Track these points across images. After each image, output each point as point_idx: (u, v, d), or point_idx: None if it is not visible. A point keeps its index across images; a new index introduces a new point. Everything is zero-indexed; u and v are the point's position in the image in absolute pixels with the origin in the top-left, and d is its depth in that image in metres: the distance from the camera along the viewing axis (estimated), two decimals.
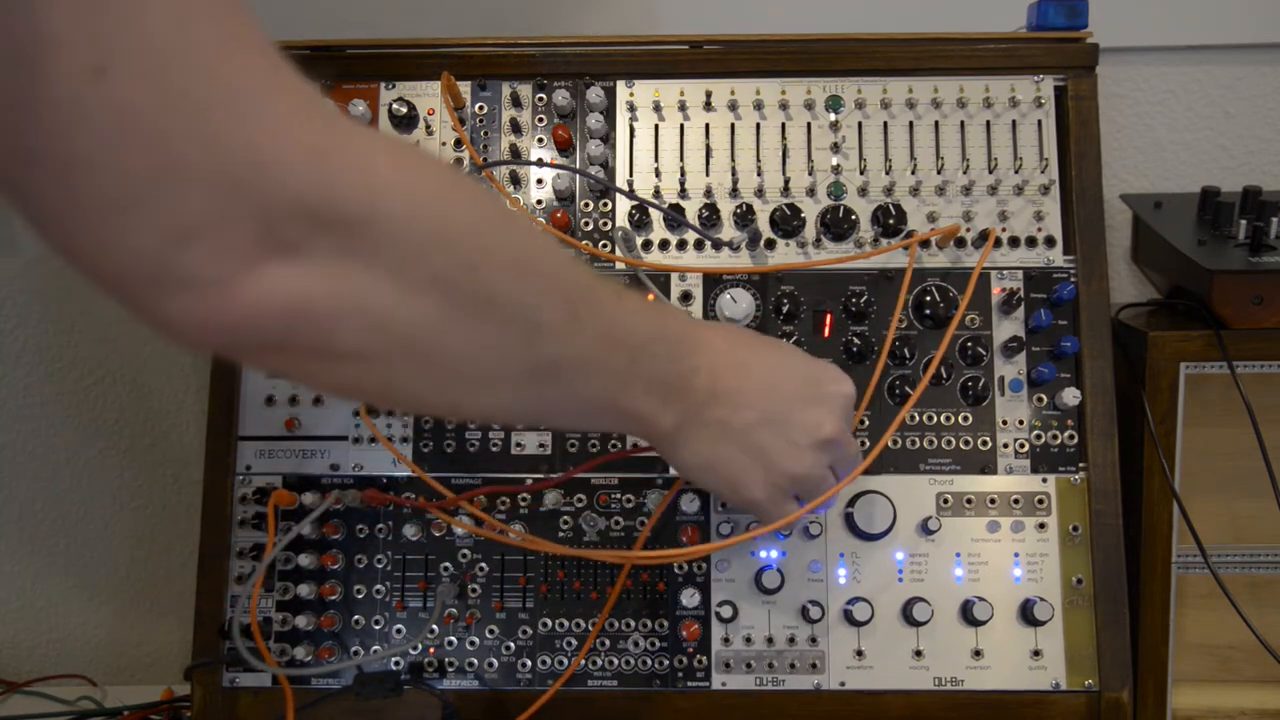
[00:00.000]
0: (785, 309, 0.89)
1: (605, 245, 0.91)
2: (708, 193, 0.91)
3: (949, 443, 0.88)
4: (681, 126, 0.92)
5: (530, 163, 0.92)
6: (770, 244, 0.91)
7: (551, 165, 0.91)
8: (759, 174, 0.91)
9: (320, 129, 0.43)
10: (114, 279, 0.42)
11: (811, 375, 0.72)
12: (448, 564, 0.88)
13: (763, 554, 0.87)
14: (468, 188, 0.52)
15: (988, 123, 0.92)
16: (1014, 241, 0.90)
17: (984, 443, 0.88)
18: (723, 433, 0.67)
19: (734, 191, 0.91)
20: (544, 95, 0.93)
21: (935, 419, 0.88)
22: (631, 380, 0.61)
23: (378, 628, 0.88)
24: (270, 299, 0.43)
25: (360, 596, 0.88)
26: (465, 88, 0.93)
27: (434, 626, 0.87)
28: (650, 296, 0.89)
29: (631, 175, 0.92)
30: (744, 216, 0.90)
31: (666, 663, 0.87)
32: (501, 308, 0.51)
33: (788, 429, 0.69)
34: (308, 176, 0.42)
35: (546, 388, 0.57)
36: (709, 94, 0.92)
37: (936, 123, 0.92)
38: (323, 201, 0.42)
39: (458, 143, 0.92)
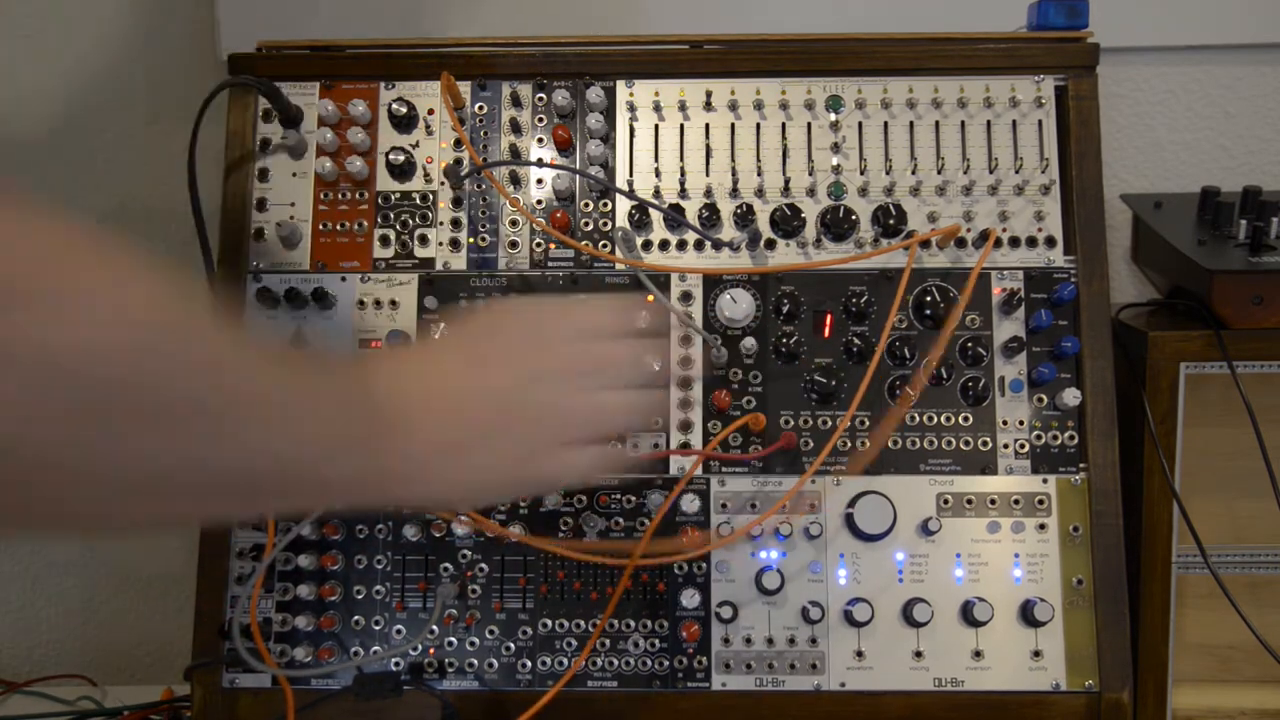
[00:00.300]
0: (785, 309, 0.89)
1: (605, 245, 0.91)
2: (708, 193, 0.91)
3: (949, 443, 0.88)
4: (681, 126, 0.92)
5: (530, 163, 0.92)
6: (770, 244, 0.91)
7: (551, 165, 0.91)
8: (759, 174, 0.91)
9: None
10: None
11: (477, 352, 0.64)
12: (448, 564, 0.88)
13: (763, 555, 0.87)
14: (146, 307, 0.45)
15: (988, 123, 0.92)
16: (1014, 241, 0.90)
17: (984, 443, 0.88)
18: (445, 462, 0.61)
19: (734, 191, 0.91)
20: (544, 95, 0.93)
21: (935, 419, 0.88)
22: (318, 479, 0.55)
23: (378, 628, 0.88)
24: None
25: (360, 597, 0.88)
26: (465, 88, 0.92)
27: (434, 627, 0.87)
28: (650, 298, 0.89)
29: (631, 175, 0.92)
30: (744, 216, 0.90)
31: (666, 663, 0.87)
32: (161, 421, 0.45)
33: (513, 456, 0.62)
34: None
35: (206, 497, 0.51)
36: (709, 94, 0.92)
37: (937, 123, 0.92)
38: None
39: (457, 143, 0.92)
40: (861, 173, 0.91)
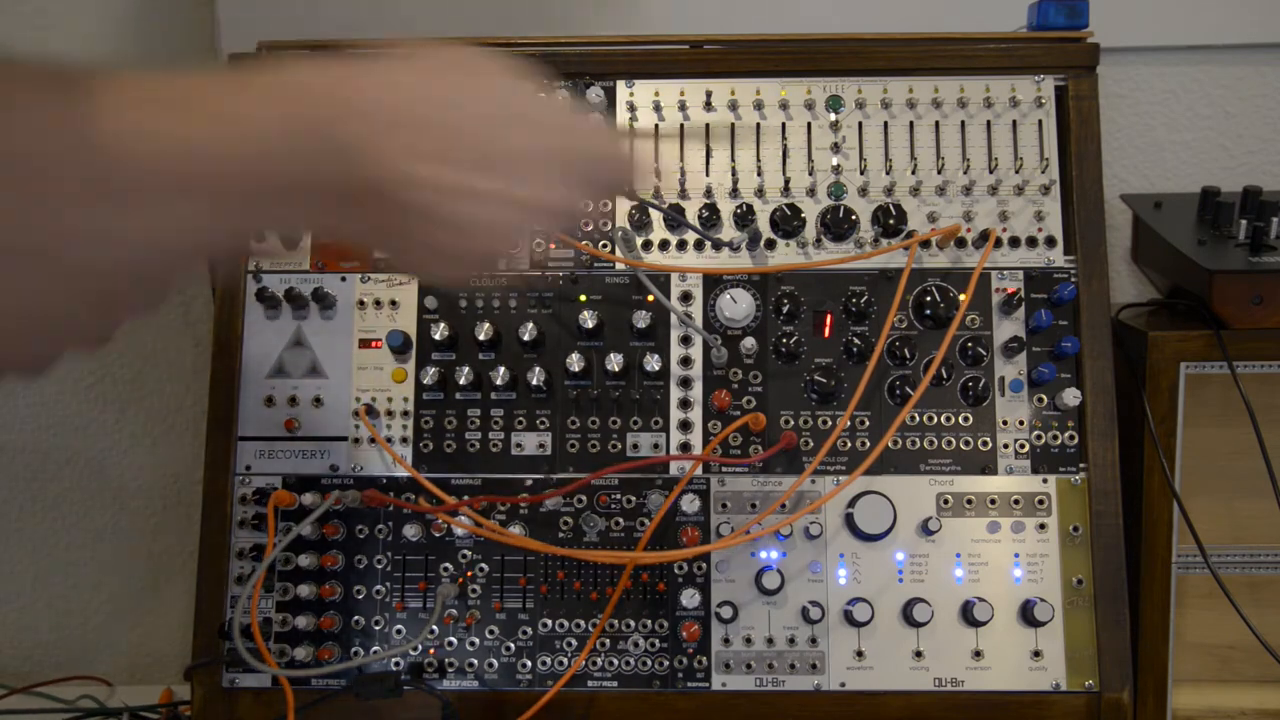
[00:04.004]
0: (785, 309, 0.89)
1: (605, 245, 0.91)
2: (708, 193, 0.91)
3: (949, 443, 0.88)
4: (681, 126, 0.92)
5: None
6: (770, 244, 0.91)
7: None
8: (759, 174, 0.91)
9: None
10: None
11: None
12: (448, 564, 0.88)
13: (763, 554, 0.87)
14: None
15: (988, 123, 0.92)
16: (1014, 241, 0.90)
17: (984, 443, 0.88)
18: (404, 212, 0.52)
19: (734, 191, 0.91)
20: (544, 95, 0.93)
21: (935, 419, 0.88)
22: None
23: (378, 628, 0.88)
24: None
25: (360, 597, 0.88)
26: None
27: (434, 627, 0.87)
28: (650, 298, 0.89)
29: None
30: (744, 216, 0.90)
31: (666, 663, 0.87)
32: None
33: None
34: None
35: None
36: (709, 94, 0.92)
37: (937, 123, 0.92)
38: None
39: None
40: (861, 173, 0.91)
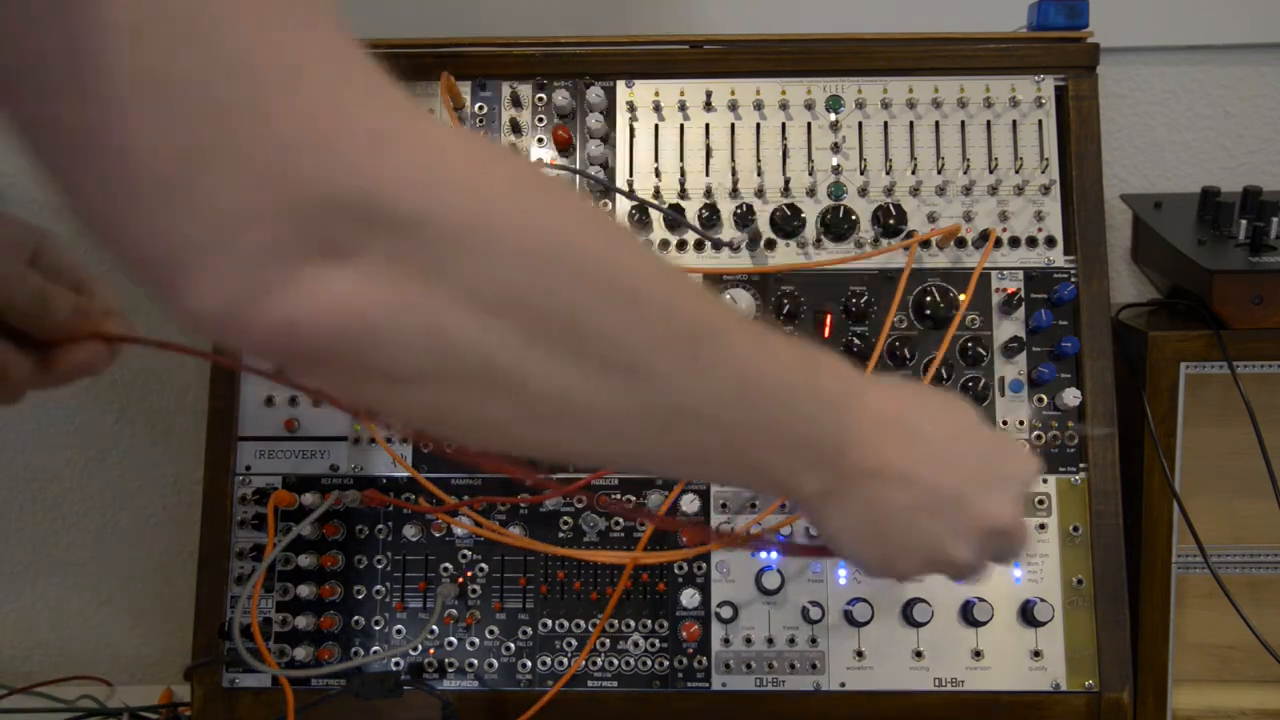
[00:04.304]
0: (785, 309, 0.89)
1: None
2: (708, 193, 0.91)
3: None
4: (681, 126, 0.92)
5: None
6: (770, 244, 0.91)
7: (551, 165, 0.91)
8: (759, 174, 0.91)
9: (385, 113, 0.38)
10: (147, 268, 0.37)
11: (993, 451, 0.61)
12: (448, 564, 0.88)
13: (763, 555, 0.87)
14: (555, 193, 0.44)
15: (988, 123, 0.92)
16: (1014, 241, 0.90)
17: None
18: (879, 511, 0.56)
19: (734, 192, 0.91)
20: (544, 95, 0.93)
21: None
22: (767, 437, 0.51)
23: (378, 628, 0.88)
24: (314, 304, 0.37)
25: (360, 597, 0.88)
26: (465, 88, 0.93)
27: (434, 627, 0.87)
28: None
29: (631, 175, 0.92)
30: (744, 217, 0.90)
31: (667, 663, 0.87)
32: (592, 341, 0.42)
33: (957, 516, 0.58)
34: (366, 166, 0.36)
35: (655, 436, 0.47)
36: (709, 94, 0.92)
37: (937, 123, 0.92)
38: (379, 195, 0.36)
39: None
40: (861, 173, 0.91)
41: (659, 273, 0.46)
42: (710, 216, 0.90)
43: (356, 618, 0.88)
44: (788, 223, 0.90)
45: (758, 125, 0.92)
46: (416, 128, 0.38)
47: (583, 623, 0.87)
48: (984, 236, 0.89)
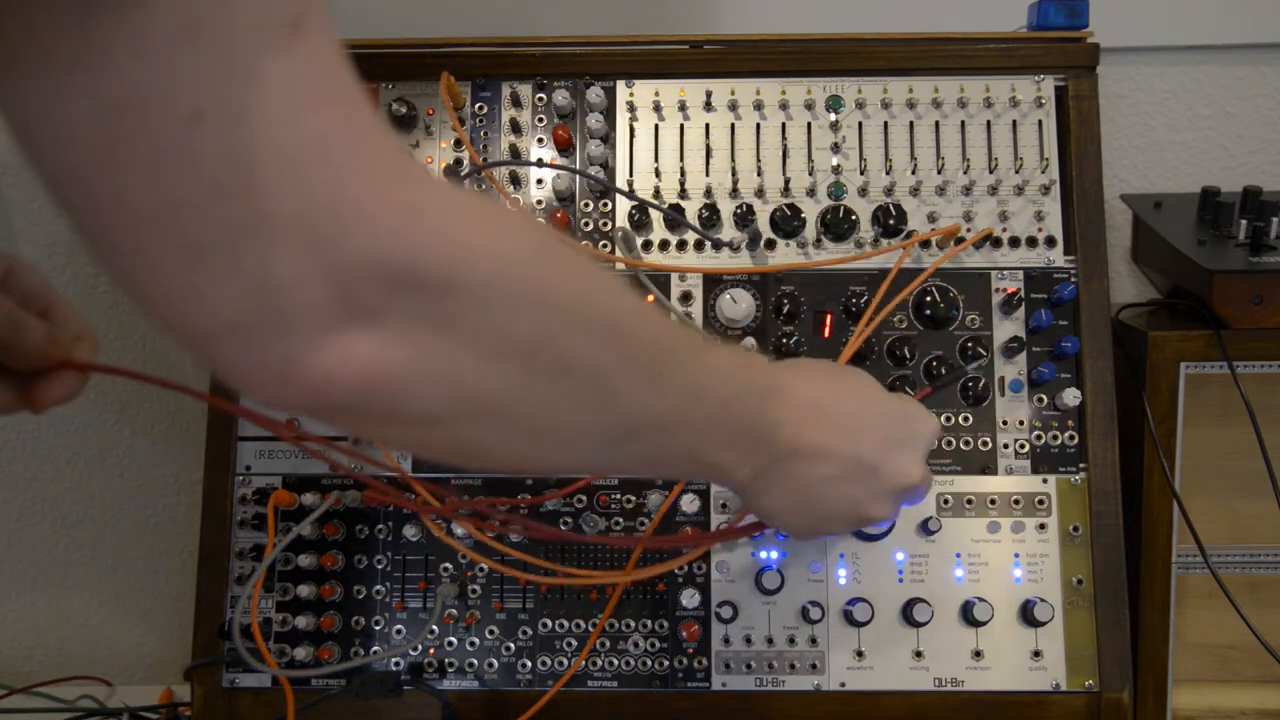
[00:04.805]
0: (785, 309, 0.89)
1: (605, 245, 0.91)
2: (708, 193, 0.91)
3: (949, 443, 0.88)
4: (681, 126, 0.92)
5: (530, 163, 0.92)
6: (770, 244, 0.91)
7: (551, 165, 0.91)
8: (759, 174, 0.91)
9: (412, 187, 0.41)
10: (190, 333, 0.40)
11: (896, 415, 0.69)
12: (448, 564, 0.88)
13: (763, 554, 0.87)
14: (555, 250, 0.49)
15: (988, 123, 0.92)
16: (1014, 242, 0.90)
17: (984, 443, 0.88)
18: (805, 484, 0.64)
19: (734, 192, 0.91)
20: (544, 95, 0.93)
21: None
22: (712, 434, 0.58)
23: (378, 628, 0.88)
24: (346, 366, 0.41)
25: (360, 597, 0.88)
26: (465, 88, 0.93)
27: (434, 627, 0.87)
28: (650, 298, 0.89)
29: (631, 175, 0.92)
30: (744, 217, 0.90)
31: (666, 663, 0.87)
32: (580, 373, 0.48)
33: (874, 479, 0.66)
34: (396, 236, 0.40)
35: (623, 446, 0.55)
36: (709, 94, 0.92)
37: (937, 123, 0.92)
38: (407, 264, 0.40)
39: (457, 143, 0.92)
40: (861, 173, 0.91)
41: (628, 306, 0.52)
42: (710, 216, 0.90)
43: (356, 618, 0.88)
44: (788, 223, 0.90)
45: (758, 125, 0.92)
46: (440, 198, 0.42)
47: (583, 623, 0.87)
48: (984, 237, 0.89)
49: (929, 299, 0.89)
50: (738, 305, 0.89)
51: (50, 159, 0.37)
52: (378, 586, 0.88)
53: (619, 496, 0.88)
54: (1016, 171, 0.91)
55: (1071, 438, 0.88)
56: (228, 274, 0.38)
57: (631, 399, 0.52)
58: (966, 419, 0.88)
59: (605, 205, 0.92)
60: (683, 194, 0.91)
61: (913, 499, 0.71)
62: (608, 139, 0.92)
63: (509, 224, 0.46)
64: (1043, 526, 0.87)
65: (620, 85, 0.93)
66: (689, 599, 0.86)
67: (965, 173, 0.91)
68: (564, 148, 0.92)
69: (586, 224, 0.91)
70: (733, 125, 0.92)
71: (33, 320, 0.58)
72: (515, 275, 0.44)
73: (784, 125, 0.92)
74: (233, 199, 0.37)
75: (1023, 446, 0.88)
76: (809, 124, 0.92)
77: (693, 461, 0.60)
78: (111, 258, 0.39)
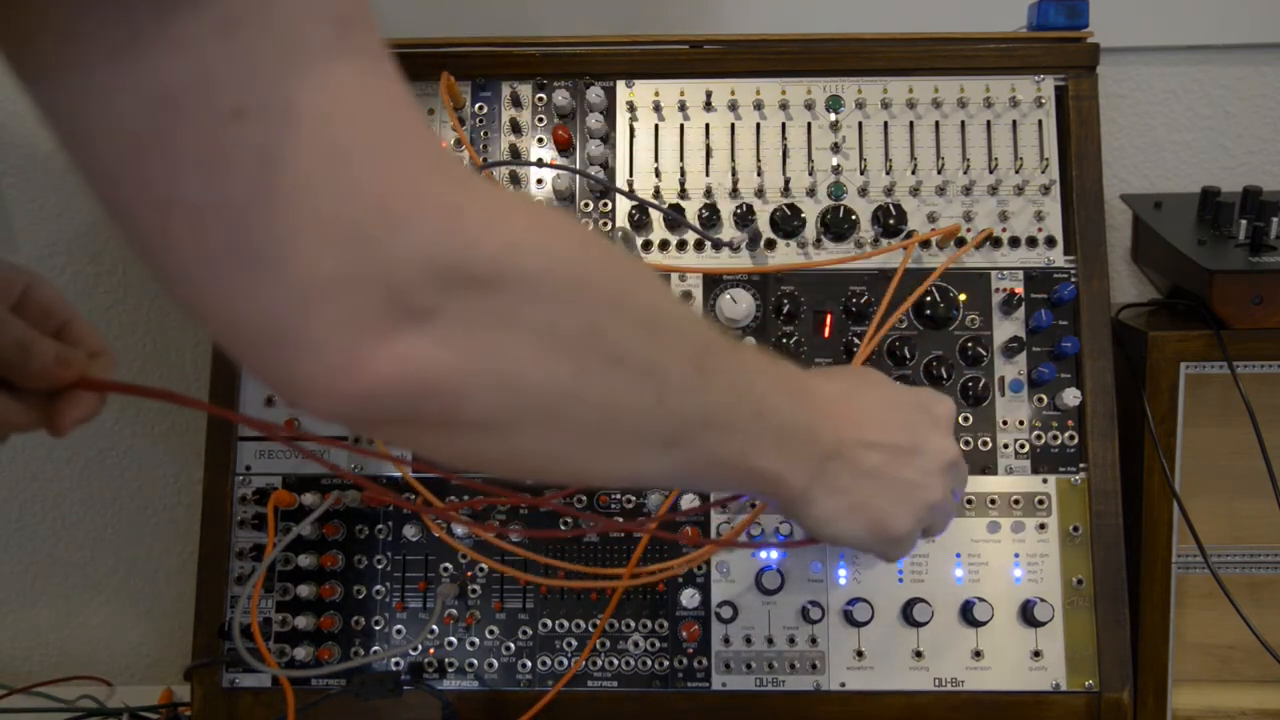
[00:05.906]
0: (785, 309, 0.89)
1: None
2: (708, 193, 0.91)
3: None
4: (681, 126, 0.92)
5: (530, 163, 0.92)
6: (770, 244, 0.91)
7: (551, 165, 0.91)
8: (759, 174, 0.91)
9: (456, 186, 0.41)
10: (238, 337, 0.39)
11: (919, 402, 0.69)
12: (448, 564, 0.88)
13: (763, 555, 0.87)
14: (599, 245, 0.50)
15: (988, 123, 0.92)
16: (1014, 242, 0.90)
17: (984, 443, 0.88)
18: (856, 479, 0.63)
19: (734, 191, 0.91)
20: (544, 95, 0.93)
21: None
22: (761, 435, 0.57)
23: (378, 628, 0.88)
24: (399, 370, 0.40)
25: (360, 597, 0.88)
26: (465, 88, 0.93)
27: (434, 627, 0.87)
28: None
29: (631, 175, 0.92)
30: (744, 217, 0.90)
31: (667, 663, 0.87)
32: (631, 366, 0.48)
33: (920, 458, 0.65)
34: (444, 235, 0.40)
35: (677, 449, 0.53)
36: (709, 94, 0.92)
37: (937, 123, 0.92)
38: (457, 261, 0.40)
39: (457, 143, 0.92)
40: (861, 173, 0.91)
41: (668, 298, 0.54)
42: (710, 216, 0.90)
43: (356, 618, 0.88)
44: (788, 223, 0.90)
45: (758, 125, 0.92)
46: (482, 198, 0.42)
47: (583, 623, 0.87)
48: (985, 237, 0.89)
49: (929, 299, 0.89)
50: (738, 305, 0.89)
51: (92, 159, 0.36)
52: (378, 586, 0.88)
53: (619, 497, 0.88)
54: (1016, 171, 0.91)
55: (1071, 438, 0.88)
56: (276, 277, 0.37)
57: (681, 391, 0.51)
58: (967, 419, 0.88)
59: (605, 205, 0.92)
60: (683, 194, 0.91)
61: (958, 481, 0.69)
62: (608, 139, 0.92)
63: (553, 220, 0.46)
64: (1043, 526, 0.87)
65: (620, 85, 0.93)
66: (689, 599, 0.86)
67: (965, 173, 0.91)
68: (564, 148, 0.92)
69: (587, 224, 0.91)
70: (733, 125, 0.92)
71: (44, 342, 0.57)
72: (563, 269, 0.44)
73: (784, 125, 0.92)
74: (279, 198, 0.36)
75: (1023, 446, 0.88)
76: (809, 124, 0.92)
77: (746, 470, 0.57)
78: (158, 261, 0.38)
